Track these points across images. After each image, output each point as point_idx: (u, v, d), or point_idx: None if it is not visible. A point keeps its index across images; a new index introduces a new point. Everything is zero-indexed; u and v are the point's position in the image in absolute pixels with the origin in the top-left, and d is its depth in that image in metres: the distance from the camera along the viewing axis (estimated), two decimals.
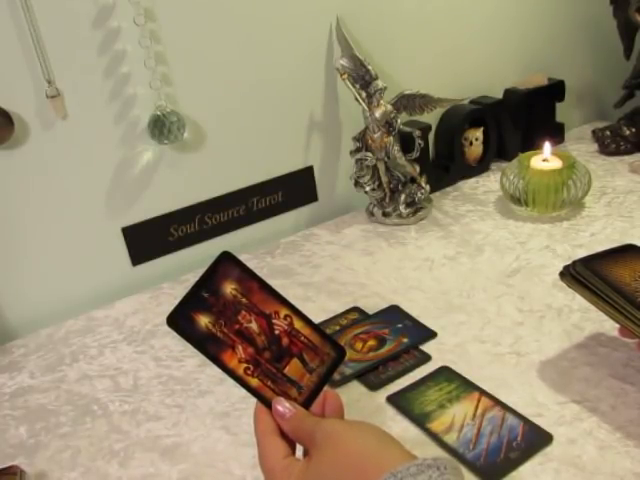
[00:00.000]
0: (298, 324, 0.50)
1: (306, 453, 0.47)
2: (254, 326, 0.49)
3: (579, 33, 1.26)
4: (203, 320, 0.48)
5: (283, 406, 0.48)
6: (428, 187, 1.00)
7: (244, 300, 0.49)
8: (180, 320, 0.48)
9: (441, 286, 0.82)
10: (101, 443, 0.63)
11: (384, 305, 0.79)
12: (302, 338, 0.50)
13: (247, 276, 0.50)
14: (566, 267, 0.62)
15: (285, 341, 0.49)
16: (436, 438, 0.58)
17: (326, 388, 0.50)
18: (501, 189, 0.99)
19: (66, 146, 0.81)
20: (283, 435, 0.48)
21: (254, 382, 0.49)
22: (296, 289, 0.85)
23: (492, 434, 0.58)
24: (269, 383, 0.49)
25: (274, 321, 0.50)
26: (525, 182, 0.95)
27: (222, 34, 0.88)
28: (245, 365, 0.49)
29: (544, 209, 0.95)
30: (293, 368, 0.49)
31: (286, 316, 0.50)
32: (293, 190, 1.01)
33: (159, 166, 0.89)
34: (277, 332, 0.49)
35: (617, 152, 1.13)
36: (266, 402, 0.49)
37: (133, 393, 0.70)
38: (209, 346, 0.48)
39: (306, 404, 0.49)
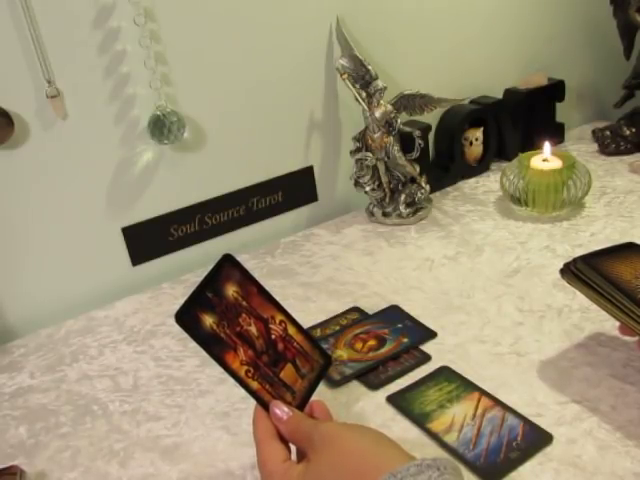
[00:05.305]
0: (291, 330, 0.51)
1: (302, 456, 0.47)
2: (253, 329, 0.49)
3: (579, 33, 1.26)
4: (208, 320, 0.49)
5: (281, 409, 0.48)
6: (428, 187, 1.00)
7: (244, 303, 0.50)
8: (187, 318, 0.48)
9: (441, 286, 0.82)
10: (101, 443, 0.63)
11: (384, 305, 0.79)
12: (295, 344, 0.50)
13: (247, 279, 0.50)
14: (566, 264, 0.62)
15: (280, 346, 0.50)
16: (436, 438, 0.58)
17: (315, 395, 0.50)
18: (501, 189, 0.99)
19: (66, 146, 0.81)
20: (282, 439, 0.48)
21: (254, 385, 0.49)
22: (296, 289, 0.85)
23: (492, 434, 0.58)
24: (267, 386, 0.49)
25: (271, 326, 0.50)
26: (525, 182, 0.95)
27: (222, 34, 0.88)
28: (246, 367, 0.49)
29: (544, 209, 0.95)
30: (288, 373, 0.50)
31: (281, 322, 0.50)
32: (293, 190, 1.01)
33: (159, 166, 0.89)
34: (273, 337, 0.50)
35: (617, 152, 1.13)
36: (265, 405, 0.49)
37: (133, 393, 0.70)
38: (213, 346, 0.49)
39: (299, 409, 0.49)
